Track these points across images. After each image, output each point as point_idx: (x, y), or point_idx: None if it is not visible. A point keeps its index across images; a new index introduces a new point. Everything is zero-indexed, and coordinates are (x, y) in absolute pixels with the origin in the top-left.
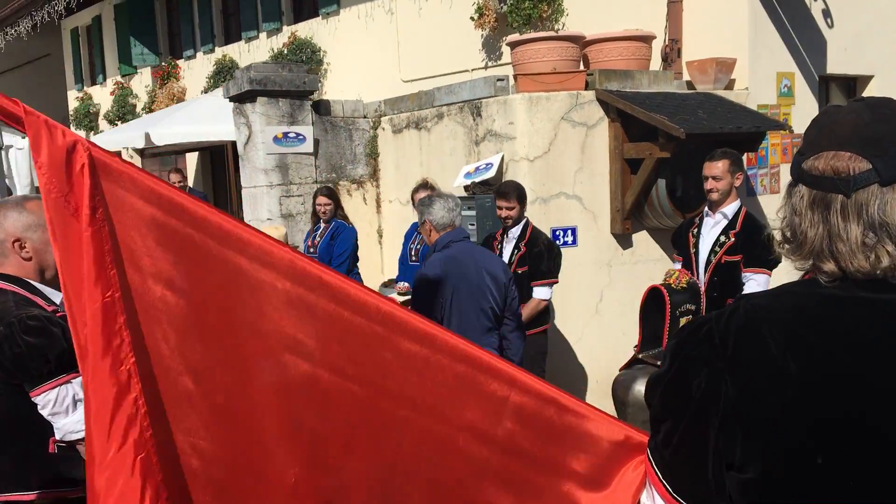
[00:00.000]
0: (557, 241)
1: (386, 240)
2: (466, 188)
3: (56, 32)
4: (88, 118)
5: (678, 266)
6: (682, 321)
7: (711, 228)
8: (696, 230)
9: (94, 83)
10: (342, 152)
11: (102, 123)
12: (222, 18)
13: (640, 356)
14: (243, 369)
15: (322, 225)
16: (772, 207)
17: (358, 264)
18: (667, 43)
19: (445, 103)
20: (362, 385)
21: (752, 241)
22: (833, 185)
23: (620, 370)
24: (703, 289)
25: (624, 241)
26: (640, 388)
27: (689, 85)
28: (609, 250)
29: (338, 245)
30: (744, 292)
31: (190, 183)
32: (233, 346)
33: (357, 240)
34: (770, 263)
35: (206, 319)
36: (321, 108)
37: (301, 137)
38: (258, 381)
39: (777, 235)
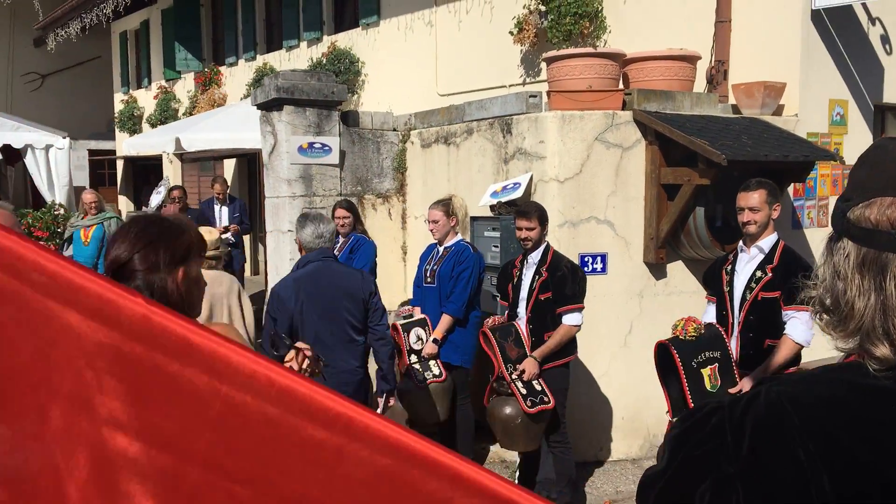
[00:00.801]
0: (586, 269)
1: (410, 257)
2: (492, 208)
3: (106, 35)
4: (132, 121)
5: (711, 309)
6: (706, 372)
7: (746, 264)
8: (729, 267)
9: (139, 87)
10: (369, 165)
11: (145, 127)
12: (265, 26)
13: (673, 421)
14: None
15: (341, 239)
16: (818, 242)
17: (377, 281)
18: (712, 64)
19: (476, 118)
20: (247, 485)
21: (792, 277)
22: (890, 241)
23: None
24: (737, 329)
25: (657, 270)
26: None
27: (735, 109)
28: (641, 280)
29: (357, 259)
30: (786, 331)
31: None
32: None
33: (376, 255)
34: None
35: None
36: (349, 118)
37: (327, 148)
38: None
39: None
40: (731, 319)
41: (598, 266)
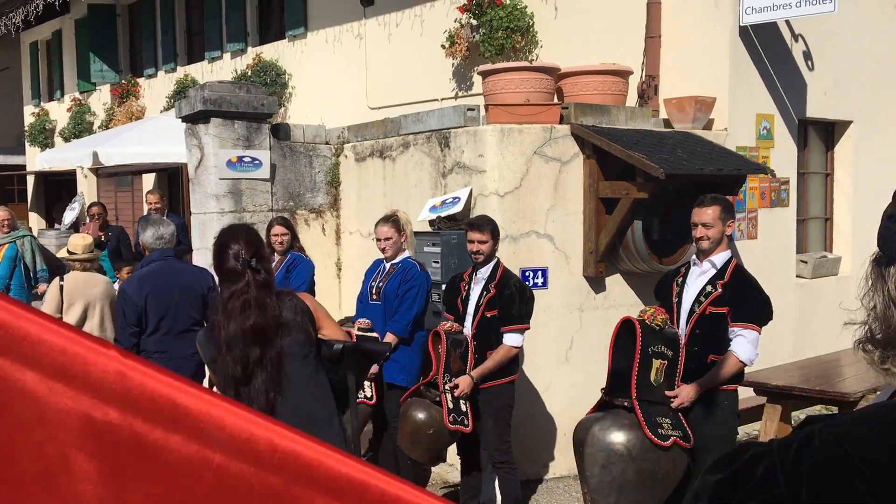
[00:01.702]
0: (527, 283)
1: (345, 273)
2: (431, 223)
3: (15, 45)
4: (44, 134)
5: None
6: (656, 364)
7: (697, 277)
8: (680, 279)
9: (51, 99)
10: (301, 179)
11: (58, 141)
12: (186, 37)
13: (606, 398)
14: None
15: (277, 257)
16: (749, 254)
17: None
18: (643, 79)
19: (412, 132)
20: None
21: (741, 295)
22: None
23: (588, 413)
24: (683, 342)
25: (597, 284)
26: (597, 429)
27: (667, 123)
28: (581, 294)
29: (294, 278)
30: (731, 348)
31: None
32: None
33: (314, 274)
34: (760, 319)
35: None
36: (280, 132)
37: (257, 162)
38: None
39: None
40: (677, 331)
41: (539, 280)
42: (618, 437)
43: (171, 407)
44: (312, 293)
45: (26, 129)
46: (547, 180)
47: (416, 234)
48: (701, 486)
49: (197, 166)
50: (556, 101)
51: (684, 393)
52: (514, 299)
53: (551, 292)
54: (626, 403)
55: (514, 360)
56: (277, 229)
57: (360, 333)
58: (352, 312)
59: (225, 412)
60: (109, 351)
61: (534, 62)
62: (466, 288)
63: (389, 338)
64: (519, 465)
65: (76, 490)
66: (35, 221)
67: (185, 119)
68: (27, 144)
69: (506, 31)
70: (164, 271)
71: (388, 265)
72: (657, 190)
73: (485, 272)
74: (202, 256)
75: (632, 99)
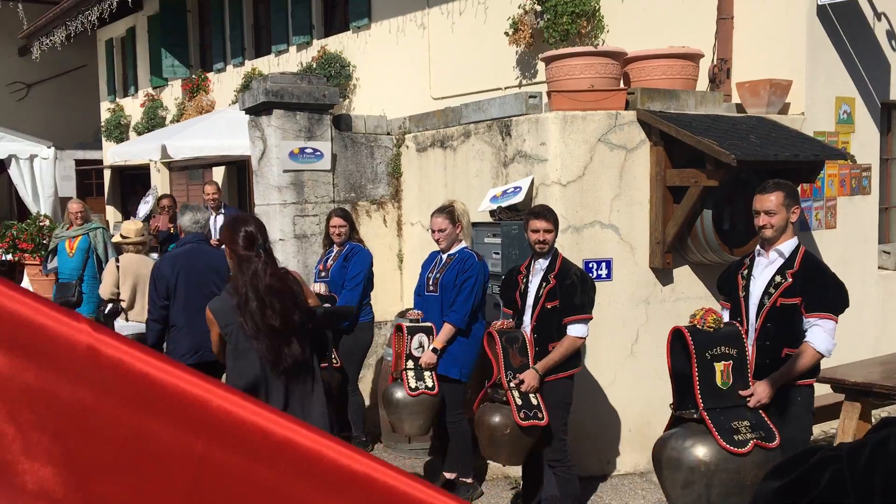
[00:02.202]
0: (591, 275)
1: (407, 265)
2: (492, 213)
3: (92, 43)
4: (119, 129)
5: (725, 315)
6: (719, 367)
7: (765, 268)
8: (745, 271)
9: (126, 95)
10: (362, 171)
11: (132, 135)
12: (253, 31)
13: (676, 414)
14: None
15: (335, 248)
16: (827, 244)
17: (373, 292)
18: (715, 62)
19: (473, 121)
20: None
21: (814, 283)
22: None
23: (665, 430)
24: (753, 336)
25: (664, 276)
26: (671, 448)
27: (739, 108)
28: (647, 286)
29: (351, 268)
30: (806, 339)
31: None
32: None
33: (372, 264)
34: (836, 307)
35: None
36: (342, 123)
37: (319, 153)
38: None
39: None
40: (745, 326)
41: (603, 272)
42: (693, 454)
43: (149, 386)
44: (371, 284)
45: (102, 124)
46: (611, 169)
47: (476, 224)
48: (759, 493)
49: (260, 158)
50: (622, 86)
51: (760, 390)
52: (575, 289)
53: (616, 284)
54: (695, 415)
55: (577, 354)
56: (336, 221)
57: (410, 325)
58: (411, 305)
59: (212, 395)
60: (80, 324)
61: (599, 47)
62: (524, 280)
63: (446, 328)
64: (582, 461)
65: (37, 475)
66: (111, 214)
67: (248, 111)
68: (103, 139)
69: (571, 15)
70: (195, 252)
71: (444, 256)
72: (728, 177)
73: (543, 263)
74: None
75: (703, 83)
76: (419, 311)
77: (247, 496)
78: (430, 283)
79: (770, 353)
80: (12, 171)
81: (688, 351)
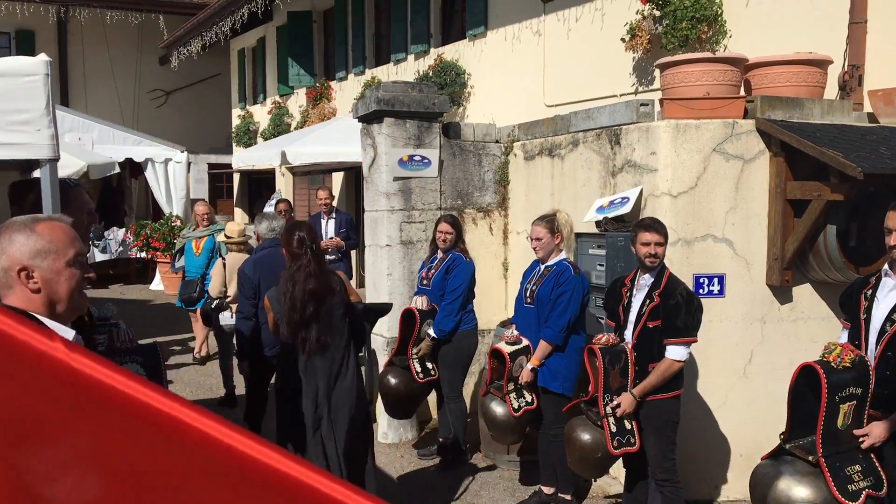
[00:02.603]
0: (701, 291)
1: (512, 274)
2: (598, 224)
3: (225, 53)
4: (248, 135)
5: (844, 336)
6: (844, 408)
7: (890, 291)
8: (869, 292)
9: (255, 102)
10: (470, 178)
11: (259, 141)
12: (374, 41)
13: (786, 446)
14: None
15: (439, 255)
16: None
17: (477, 300)
18: (846, 69)
19: (582, 129)
20: None
21: None
22: None
23: (763, 459)
24: (872, 364)
25: (782, 294)
26: (783, 487)
27: (871, 117)
28: (763, 304)
29: (452, 279)
30: None
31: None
32: None
33: (474, 275)
34: None
35: None
36: (450, 130)
37: (426, 161)
38: None
39: None
40: (864, 352)
41: (715, 288)
42: (801, 494)
43: (129, 410)
44: (472, 294)
45: (233, 130)
46: (726, 180)
47: (581, 235)
48: None
49: (370, 165)
50: (741, 94)
51: (875, 433)
52: (679, 310)
53: (728, 301)
54: (810, 458)
55: (679, 375)
56: (443, 226)
57: (511, 351)
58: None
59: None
60: (55, 343)
61: (719, 53)
62: (628, 294)
63: (542, 346)
64: (688, 484)
65: None
66: (239, 216)
67: (360, 119)
68: (233, 145)
69: (691, 21)
70: (272, 256)
71: (542, 267)
72: (855, 191)
73: (649, 278)
74: (372, 253)
75: (831, 91)
76: (517, 333)
77: None
78: (528, 294)
79: (890, 385)
80: (148, 173)
81: (817, 390)
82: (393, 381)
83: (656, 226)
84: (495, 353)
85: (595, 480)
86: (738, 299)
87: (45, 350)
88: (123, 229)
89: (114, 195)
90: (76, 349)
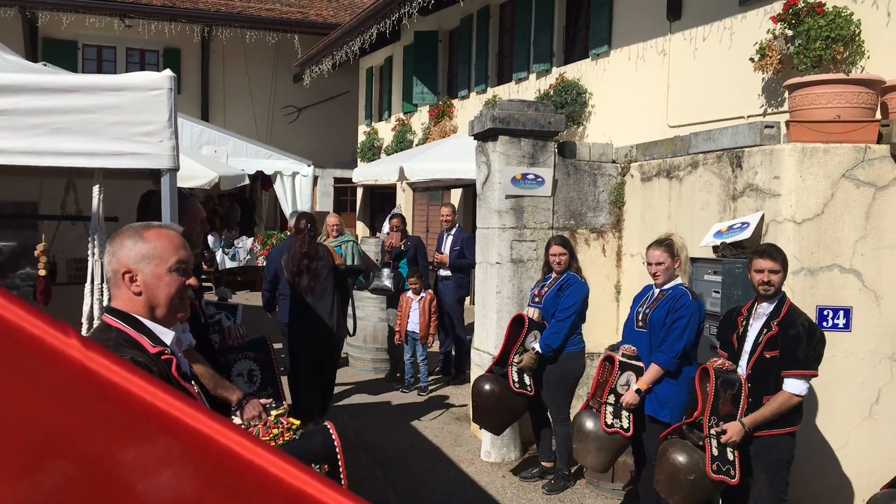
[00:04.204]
0: (824, 324)
1: (624, 297)
2: (715, 249)
3: (354, 71)
4: (372, 151)
5: None
6: None
7: None
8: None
9: (380, 119)
10: (584, 198)
11: (382, 156)
12: (497, 59)
13: None
14: None
15: (553, 275)
16: None
17: (588, 322)
18: None
19: (702, 151)
20: None
21: None
22: None
23: (882, 488)
24: None
25: None
26: None
27: None
28: (894, 341)
29: (565, 298)
30: None
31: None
32: None
33: (588, 295)
34: None
35: None
36: (566, 150)
37: (540, 180)
38: None
39: None
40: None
41: (840, 322)
42: None
43: (144, 416)
44: (583, 316)
45: (358, 146)
46: (856, 207)
47: (697, 260)
48: None
49: (484, 182)
50: (876, 118)
51: None
52: (800, 340)
53: (855, 336)
54: None
55: (796, 410)
56: (555, 249)
57: (623, 359)
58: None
59: (220, 434)
60: (70, 339)
61: (853, 74)
62: (744, 323)
63: (653, 369)
64: None
65: None
66: (360, 229)
67: (476, 136)
68: (358, 160)
69: (825, 40)
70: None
71: (657, 291)
72: None
73: (767, 307)
74: (482, 270)
75: None
76: (634, 347)
77: None
78: (640, 318)
79: None
80: (277, 186)
81: None
82: (487, 386)
83: (772, 252)
84: (607, 360)
85: None
86: (866, 334)
87: (59, 346)
88: (252, 238)
89: (245, 206)
90: (92, 347)
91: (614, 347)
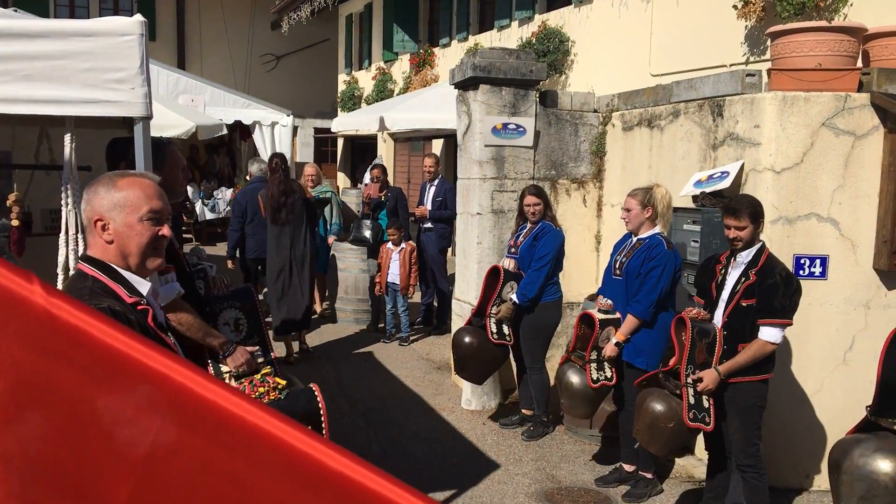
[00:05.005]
0: (801, 272)
1: (605, 247)
2: (695, 198)
3: (334, 18)
4: (352, 101)
5: None
6: None
7: None
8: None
9: (360, 68)
10: (564, 148)
11: (363, 106)
12: (478, 6)
13: (872, 419)
14: None
15: (528, 225)
16: None
17: (568, 272)
18: None
19: (683, 99)
20: None
21: None
22: None
23: (849, 434)
24: None
25: (890, 279)
26: (858, 454)
27: None
28: (869, 289)
29: (540, 248)
30: None
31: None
32: None
33: (563, 245)
34: None
35: None
36: (547, 99)
37: (521, 129)
38: None
39: None
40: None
41: (817, 270)
42: (883, 466)
43: (113, 360)
44: (559, 265)
45: (338, 95)
46: (835, 156)
47: (677, 210)
48: None
49: (464, 132)
50: (857, 66)
51: None
52: (776, 289)
53: (831, 284)
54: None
55: (770, 359)
56: (530, 199)
57: (602, 317)
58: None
59: (171, 371)
60: (32, 285)
61: (837, 22)
62: (723, 272)
63: (629, 320)
64: (777, 471)
65: None
66: (341, 180)
67: (456, 85)
68: (339, 109)
69: None
70: (258, 189)
71: (634, 240)
72: None
73: (745, 256)
74: (463, 221)
75: None
76: (610, 301)
77: (201, 479)
78: (617, 266)
79: None
80: (256, 136)
81: None
82: (466, 339)
83: (736, 210)
84: (584, 318)
85: (662, 456)
86: (842, 282)
87: (24, 294)
88: (231, 189)
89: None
90: (55, 294)
91: (593, 297)
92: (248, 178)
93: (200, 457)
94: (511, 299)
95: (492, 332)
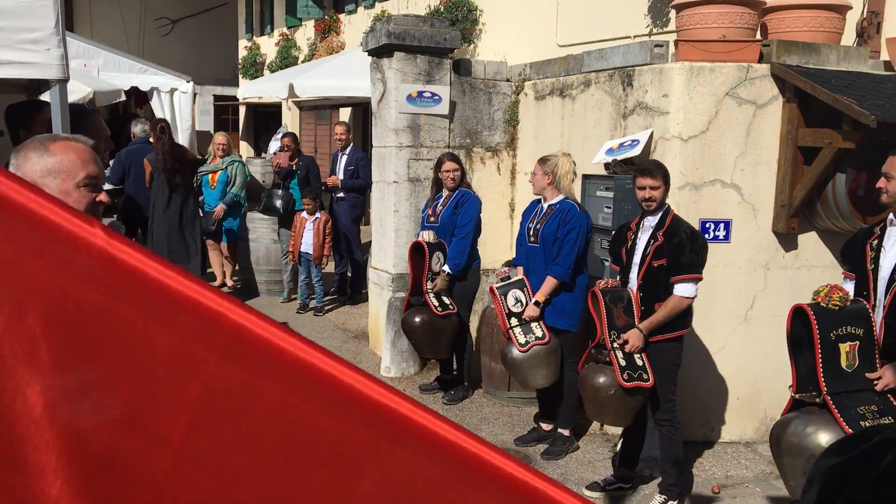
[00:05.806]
0: (707, 235)
1: (518, 214)
2: (607, 166)
3: None
4: (255, 68)
5: (849, 286)
6: (844, 347)
7: None
8: (875, 242)
9: (262, 33)
10: (479, 117)
11: (266, 73)
12: None
13: (796, 396)
14: None
15: (445, 193)
16: None
17: (483, 240)
18: (864, 16)
19: (594, 69)
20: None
21: None
22: None
23: (783, 414)
24: (882, 314)
25: (787, 241)
26: (791, 434)
27: (888, 66)
28: (768, 251)
29: (462, 215)
30: None
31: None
32: None
33: (481, 210)
34: None
35: None
36: (461, 67)
37: (437, 98)
38: None
39: None
40: (873, 302)
41: (721, 233)
42: (816, 440)
43: (161, 296)
44: (479, 230)
45: (239, 62)
46: (738, 125)
47: (590, 177)
48: (815, 470)
49: (379, 100)
50: (757, 38)
51: (889, 375)
52: (683, 247)
53: (734, 247)
54: (817, 399)
55: (686, 315)
56: (449, 165)
57: (500, 286)
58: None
59: (224, 308)
60: (94, 228)
61: None
62: (633, 237)
63: (549, 281)
64: (687, 425)
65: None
66: (244, 150)
67: (370, 53)
68: (240, 77)
69: None
70: (141, 150)
71: (545, 206)
72: (867, 140)
73: (652, 220)
74: (379, 189)
75: (849, 38)
76: (505, 269)
77: (256, 415)
78: (531, 233)
79: None
80: (154, 103)
81: (810, 330)
82: (417, 319)
83: (652, 169)
84: (491, 292)
85: (626, 426)
86: (744, 245)
87: (86, 236)
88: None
89: (119, 124)
90: (115, 236)
91: (509, 263)
92: (132, 137)
93: (254, 392)
94: (444, 271)
95: (435, 305)
